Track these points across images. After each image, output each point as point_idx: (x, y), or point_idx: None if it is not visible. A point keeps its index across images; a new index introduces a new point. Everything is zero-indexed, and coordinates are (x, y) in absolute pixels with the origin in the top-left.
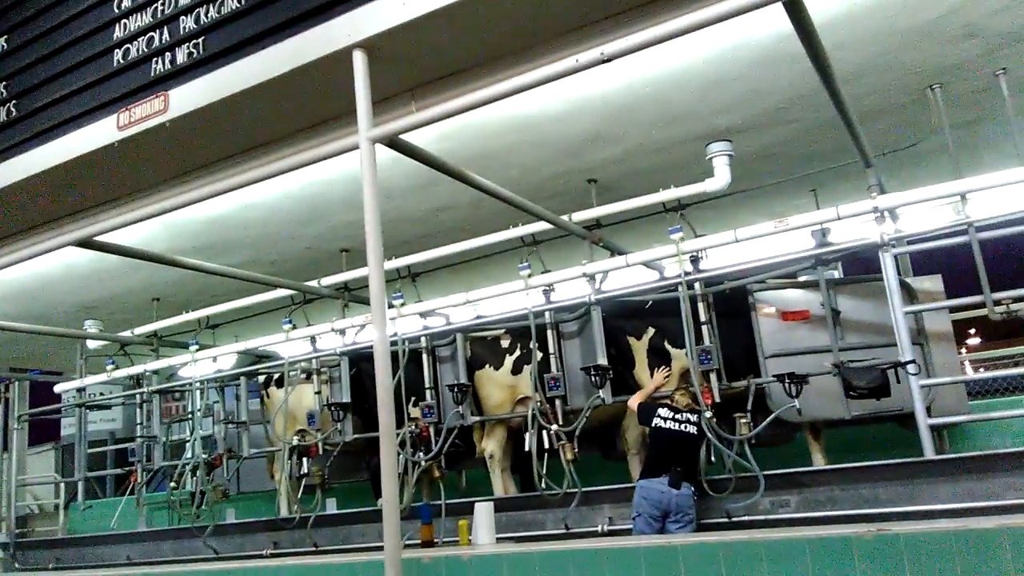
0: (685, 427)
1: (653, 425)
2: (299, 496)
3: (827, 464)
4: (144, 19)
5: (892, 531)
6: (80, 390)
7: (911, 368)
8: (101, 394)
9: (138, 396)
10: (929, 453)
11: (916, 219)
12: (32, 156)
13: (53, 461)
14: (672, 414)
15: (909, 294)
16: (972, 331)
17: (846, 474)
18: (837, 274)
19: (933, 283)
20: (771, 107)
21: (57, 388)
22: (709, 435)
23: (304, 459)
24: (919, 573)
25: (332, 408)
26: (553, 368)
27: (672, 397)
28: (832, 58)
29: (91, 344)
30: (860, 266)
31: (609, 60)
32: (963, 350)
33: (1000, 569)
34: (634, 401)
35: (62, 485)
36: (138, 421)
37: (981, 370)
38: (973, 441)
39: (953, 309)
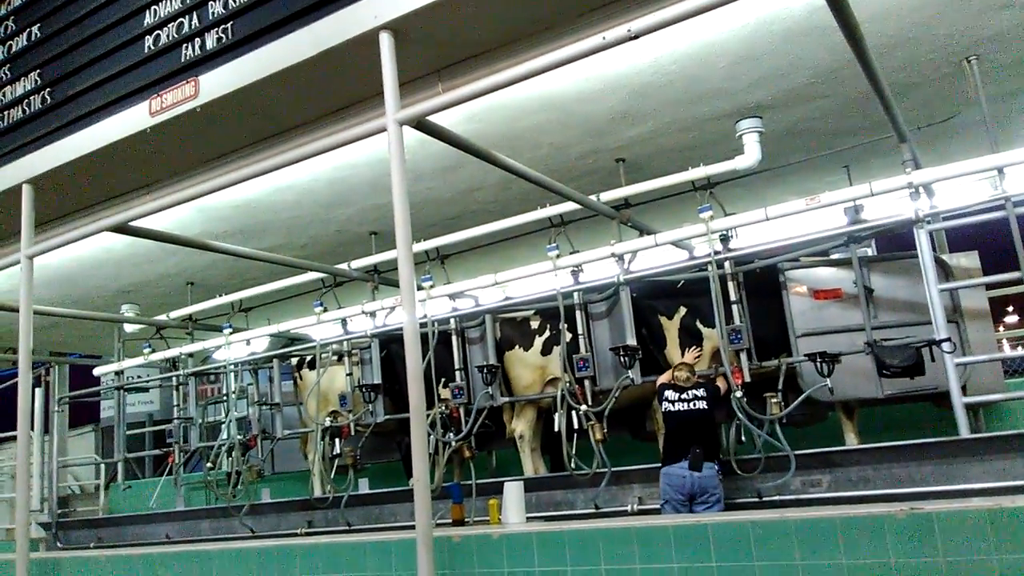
0: (693, 404)
1: (663, 409)
2: (332, 476)
3: (860, 444)
4: (174, 5)
5: (925, 510)
6: (118, 373)
7: (946, 346)
8: (139, 377)
9: (174, 378)
10: (964, 432)
11: (952, 194)
12: (66, 144)
13: (93, 442)
14: (677, 395)
15: (944, 271)
16: (1010, 308)
17: (879, 454)
18: (870, 251)
19: (969, 260)
20: (802, 82)
21: (96, 371)
22: (740, 415)
23: (336, 440)
24: (952, 552)
25: (363, 389)
26: (582, 349)
27: (672, 375)
28: (864, 30)
29: (128, 328)
30: (894, 243)
31: (636, 37)
32: (1000, 328)
33: None
34: (659, 381)
35: (102, 466)
36: (175, 403)
37: (1019, 348)
38: (1010, 420)
39: (990, 286)
